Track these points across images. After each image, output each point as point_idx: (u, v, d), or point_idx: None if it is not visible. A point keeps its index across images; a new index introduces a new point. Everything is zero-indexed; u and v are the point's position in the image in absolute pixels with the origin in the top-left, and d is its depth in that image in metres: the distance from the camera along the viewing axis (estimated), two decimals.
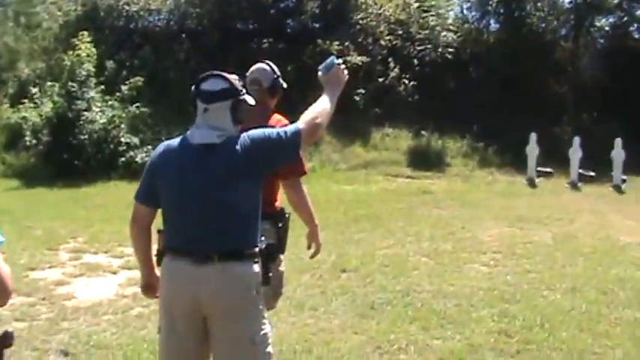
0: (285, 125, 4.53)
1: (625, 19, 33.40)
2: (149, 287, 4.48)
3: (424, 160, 24.30)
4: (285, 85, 5.51)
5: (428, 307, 8.26)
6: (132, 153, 20.70)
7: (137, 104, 22.13)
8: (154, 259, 4.35)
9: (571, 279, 9.72)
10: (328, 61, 4.48)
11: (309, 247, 5.63)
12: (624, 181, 21.97)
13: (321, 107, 4.28)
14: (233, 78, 4.20)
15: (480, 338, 7.15)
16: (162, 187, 4.15)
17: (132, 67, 24.52)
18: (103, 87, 21.92)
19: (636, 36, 34.25)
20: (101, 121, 21.14)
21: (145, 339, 7.00)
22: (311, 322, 7.68)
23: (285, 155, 4.28)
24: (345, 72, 4.52)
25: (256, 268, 4.11)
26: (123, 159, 20.69)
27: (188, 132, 4.18)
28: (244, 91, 4.23)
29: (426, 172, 23.08)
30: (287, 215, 5.36)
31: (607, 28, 34.09)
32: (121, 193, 15.38)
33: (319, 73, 4.46)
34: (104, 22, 27.09)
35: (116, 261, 10.42)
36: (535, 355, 6.75)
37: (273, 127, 4.53)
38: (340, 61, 4.52)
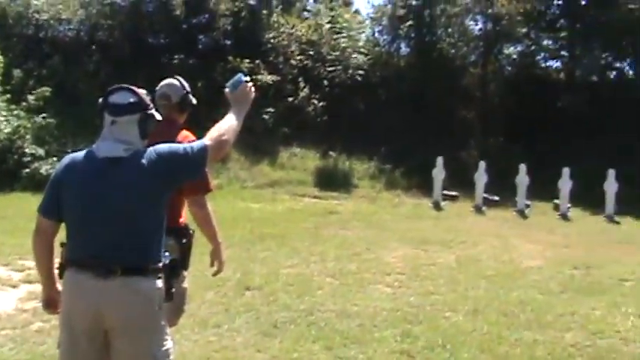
0: (192, 141, 4.49)
1: (532, 47, 34.23)
2: (50, 302, 4.36)
3: (331, 181, 24.38)
4: (194, 102, 5.45)
5: (331, 326, 8.23)
6: (36, 164, 20.19)
7: (44, 115, 21.79)
8: (56, 272, 4.24)
9: (473, 301, 9.80)
10: (236, 78, 4.46)
11: (212, 265, 5.57)
12: (528, 206, 22.35)
13: (228, 124, 4.26)
14: (142, 92, 4.16)
15: (382, 358, 7.16)
16: (66, 200, 4.06)
17: (40, 77, 24.10)
18: (8, 96, 21.53)
19: (543, 65, 35.13)
20: (5, 131, 20.71)
21: (44, 355, 6.84)
22: (214, 339, 7.58)
23: (191, 171, 4.23)
24: (253, 90, 4.50)
25: (159, 283, 4.05)
26: (27, 170, 20.12)
27: (94, 145, 4.11)
28: (152, 105, 4.19)
29: (333, 193, 23.14)
30: (191, 232, 5.31)
31: (515, 56, 34.92)
32: (24, 205, 15.01)
33: (226, 90, 4.43)
34: (12, 30, 26.62)
35: (17, 274, 10.15)
36: None
37: (180, 142, 4.47)
38: (247, 78, 4.49)
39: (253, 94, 4.50)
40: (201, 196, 5.29)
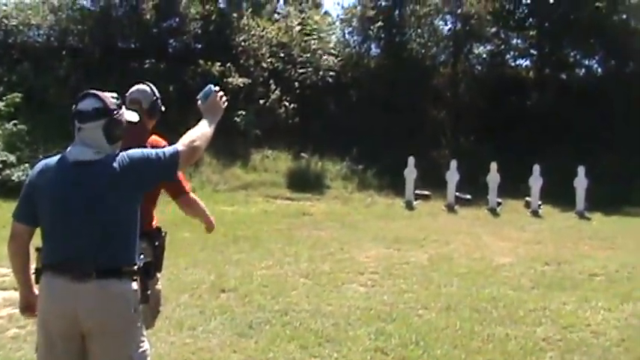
0: (163, 146, 4.55)
1: (502, 47, 34.40)
2: (28, 307, 4.38)
3: (304, 182, 24.44)
4: (163, 109, 5.51)
5: (306, 326, 8.29)
6: (8, 171, 20.00)
7: (14, 121, 21.64)
8: (33, 277, 4.27)
9: (446, 298, 9.89)
10: (206, 89, 4.56)
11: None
12: (499, 203, 22.51)
13: (201, 131, 4.35)
14: (107, 97, 4.17)
15: (356, 356, 7.22)
16: (40, 205, 4.10)
17: (10, 83, 23.92)
18: None
19: (512, 63, 35.29)
20: None
21: None
22: (190, 341, 7.62)
23: (163, 176, 4.31)
24: (224, 98, 4.60)
25: (135, 285, 4.09)
26: None
27: (67, 150, 4.14)
28: (119, 110, 4.20)
29: (306, 194, 23.20)
30: (163, 234, 5.35)
31: (484, 56, 35.09)
32: None
33: (199, 102, 4.52)
34: None
35: None
36: None
37: (150, 146, 4.52)
38: (217, 88, 4.58)
39: (225, 103, 4.60)
40: (184, 196, 5.35)
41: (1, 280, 9.90)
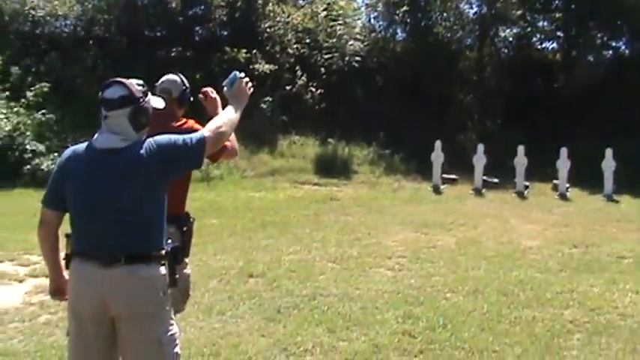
0: (195, 130, 4.62)
1: (528, 29, 34.07)
2: (58, 290, 4.46)
3: (331, 168, 24.45)
4: (192, 99, 5.60)
5: (334, 310, 8.35)
6: (37, 160, 20.23)
7: (43, 111, 21.81)
8: (63, 263, 4.34)
9: (473, 282, 9.92)
10: (231, 76, 4.62)
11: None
12: (527, 187, 22.43)
13: (227, 117, 4.43)
14: (133, 84, 4.22)
15: (384, 339, 7.27)
16: (68, 192, 4.16)
17: (38, 73, 24.07)
18: (7, 93, 21.58)
19: (538, 46, 35.01)
20: (6, 128, 20.80)
21: (53, 345, 6.94)
22: (219, 326, 7.70)
23: (190, 161, 4.36)
24: (249, 85, 4.67)
25: (163, 270, 4.15)
26: (28, 167, 20.17)
27: (93, 137, 4.21)
28: (145, 97, 4.25)
29: (333, 180, 23.24)
30: (192, 219, 5.42)
31: (511, 39, 34.79)
32: (27, 202, 15.09)
33: (224, 88, 4.58)
34: (9, 27, 26.55)
35: (23, 269, 10.23)
36: (437, 355, 6.89)
37: (185, 132, 4.59)
38: (243, 74, 4.65)
39: (251, 89, 4.67)
40: (222, 154, 5.34)
41: (33, 268, 10.04)
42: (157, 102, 4.40)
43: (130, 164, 4.07)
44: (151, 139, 4.16)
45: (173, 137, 4.23)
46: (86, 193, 4.10)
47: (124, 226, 4.06)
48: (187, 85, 5.64)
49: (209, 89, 5.39)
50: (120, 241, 4.04)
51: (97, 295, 4.04)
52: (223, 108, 4.64)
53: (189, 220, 5.39)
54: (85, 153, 4.18)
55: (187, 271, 5.45)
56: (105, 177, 4.06)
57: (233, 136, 5.02)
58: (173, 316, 4.29)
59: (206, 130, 4.32)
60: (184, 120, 5.42)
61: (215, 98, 5.31)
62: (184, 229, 5.26)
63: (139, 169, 4.08)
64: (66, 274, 4.36)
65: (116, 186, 4.05)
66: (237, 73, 4.66)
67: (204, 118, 4.81)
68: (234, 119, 4.47)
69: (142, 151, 4.08)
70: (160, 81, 5.60)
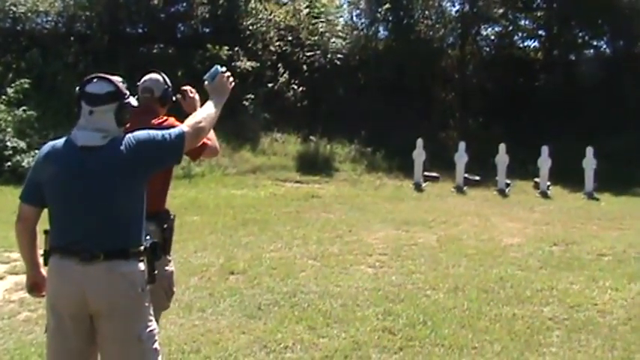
0: (175, 127, 4.62)
1: (510, 28, 34.26)
2: (35, 286, 4.46)
3: (313, 165, 24.44)
4: (174, 98, 5.59)
5: (314, 307, 8.36)
6: (18, 157, 20.02)
7: (24, 107, 21.66)
8: (41, 259, 4.33)
9: (454, 279, 9.95)
10: (212, 70, 4.65)
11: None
12: (508, 185, 22.50)
13: (206, 112, 4.45)
14: (118, 81, 4.25)
15: (364, 336, 7.29)
16: (47, 188, 4.15)
17: (19, 70, 23.84)
18: None
19: (520, 45, 35.17)
20: None
21: (32, 343, 6.90)
22: (199, 323, 7.70)
23: (169, 157, 4.37)
24: (231, 79, 4.69)
25: (142, 266, 4.17)
26: (9, 163, 19.93)
27: (72, 133, 4.19)
28: (129, 94, 4.28)
29: (315, 177, 23.20)
30: (172, 216, 5.41)
31: (492, 37, 35.00)
32: (7, 199, 14.95)
33: (205, 82, 4.59)
34: None
35: (2, 266, 10.16)
36: (417, 351, 6.90)
37: (165, 128, 4.59)
38: (224, 69, 4.68)
39: (232, 84, 4.69)
40: (203, 152, 5.33)
41: (12, 265, 9.99)
42: (133, 100, 4.40)
43: (111, 161, 4.07)
44: (130, 135, 4.16)
45: (152, 132, 4.24)
46: (66, 189, 4.09)
47: (103, 222, 4.07)
48: (170, 83, 5.64)
49: (188, 88, 5.39)
50: (99, 237, 4.04)
51: (77, 292, 4.03)
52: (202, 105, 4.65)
53: (169, 217, 5.39)
54: (65, 149, 4.17)
55: (170, 268, 5.45)
56: (85, 173, 4.05)
57: (213, 135, 5.02)
58: (152, 312, 4.28)
59: (185, 126, 4.34)
60: (164, 117, 5.41)
61: (193, 98, 5.32)
62: (165, 226, 5.25)
63: (119, 165, 4.08)
64: (43, 270, 4.35)
65: (96, 182, 4.05)
66: (219, 67, 4.68)
67: (184, 115, 4.82)
68: (214, 114, 4.48)
69: (121, 147, 4.08)
70: (142, 80, 5.59)
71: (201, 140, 4.59)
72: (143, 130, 4.24)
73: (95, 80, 4.20)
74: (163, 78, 5.64)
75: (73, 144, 4.13)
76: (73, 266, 4.03)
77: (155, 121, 5.25)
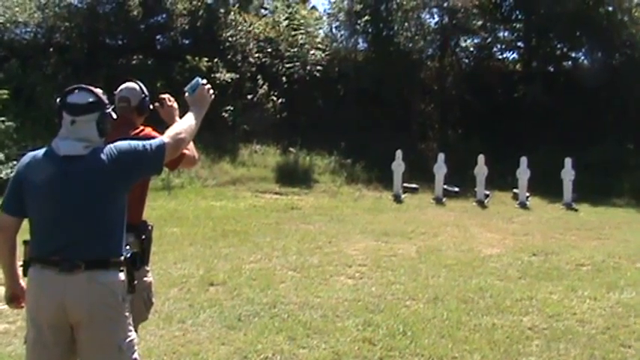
0: (152, 137, 4.63)
1: (489, 40, 34.44)
2: (14, 298, 4.44)
3: (292, 177, 24.45)
4: (151, 107, 5.58)
5: (294, 318, 8.34)
6: None
7: (2, 118, 21.53)
8: (20, 269, 4.32)
9: (433, 289, 9.96)
10: (193, 82, 4.68)
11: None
12: (487, 196, 22.59)
13: (187, 124, 4.47)
14: (99, 92, 4.26)
15: (344, 347, 7.27)
16: (29, 198, 4.14)
17: None
18: None
19: (499, 56, 35.39)
20: None
21: (10, 355, 6.86)
22: (179, 334, 7.67)
23: (150, 167, 4.39)
24: (211, 91, 4.73)
25: (122, 276, 4.16)
26: None
27: (53, 143, 4.19)
28: (109, 104, 4.30)
29: (294, 189, 23.21)
30: (150, 227, 5.39)
31: (472, 49, 35.17)
32: None
33: (186, 94, 4.62)
34: None
35: None
36: None
37: (142, 139, 4.60)
38: (205, 81, 4.71)
39: (212, 96, 4.72)
40: (181, 162, 5.31)
41: None
42: (113, 113, 4.40)
43: (92, 171, 4.08)
44: (111, 145, 4.17)
45: (133, 143, 4.25)
46: (48, 199, 4.09)
47: (84, 232, 4.06)
48: (146, 93, 5.60)
49: (167, 96, 5.38)
50: (80, 247, 4.04)
51: (57, 302, 4.02)
52: (182, 116, 4.66)
53: (147, 227, 5.37)
54: (47, 159, 4.16)
55: (149, 279, 5.43)
56: (67, 183, 4.05)
57: (192, 145, 5.02)
58: (131, 322, 4.28)
59: (166, 137, 4.35)
60: (142, 128, 5.39)
61: (172, 106, 5.31)
62: (143, 236, 5.24)
63: (100, 175, 4.08)
64: (22, 281, 4.34)
65: (78, 192, 4.05)
66: (199, 79, 4.72)
67: (163, 126, 4.83)
68: (194, 126, 4.50)
69: (103, 157, 4.09)
70: (118, 89, 5.56)
71: (181, 151, 4.59)
72: (124, 141, 4.25)
73: (76, 91, 4.22)
74: (140, 87, 5.60)
75: (55, 154, 4.13)
76: (53, 276, 4.02)
77: (132, 132, 5.24)
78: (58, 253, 4.03)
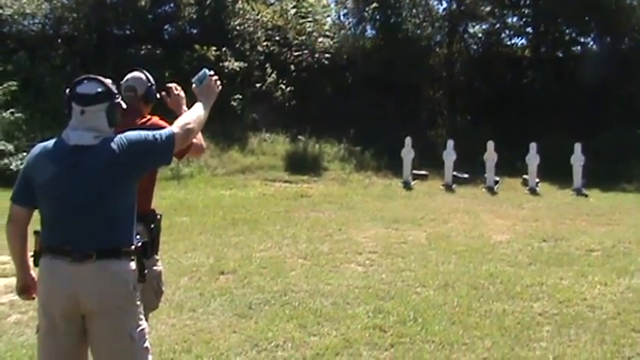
0: (162, 127, 4.64)
1: (497, 26, 34.29)
2: (25, 289, 4.44)
3: (301, 165, 24.44)
4: (158, 96, 5.58)
5: (305, 305, 8.36)
6: (6, 160, 19.92)
7: (12, 110, 21.58)
8: (31, 260, 4.31)
9: (444, 276, 9.97)
10: (200, 73, 4.70)
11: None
12: (497, 182, 22.55)
13: (195, 114, 4.49)
14: (108, 82, 4.26)
15: (355, 333, 7.29)
16: (39, 188, 4.14)
17: (6, 72, 23.68)
18: None
19: (508, 42, 35.21)
20: None
21: (23, 345, 6.88)
22: (190, 323, 7.69)
23: (160, 158, 4.40)
24: (218, 82, 4.75)
25: (133, 265, 4.17)
26: None
27: (63, 134, 4.19)
28: (119, 94, 4.31)
29: (304, 177, 23.20)
30: (159, 217, 5.41)
31: (480, 35, 35.01)
32: None
33: (193, 85, 4.63)
34: None
35: None
36: (408, 348, 6.91)
37: (152, 126, 4.62)
38: (212, 72, 4.72)
39: (219, 87, 4.74)
40: (189, 151, 5.33)
41: (2, 268, 9.94)
42: (122, 102, 4.41)
43: (104, 160, 4.08)
44: (121, 135, 4.17)
45: (143, 133, 4.26)
46: (59, 189, 4.08)
47: (96, 221, 4.07)
48: (153, 81, 5.61)
49: (173, 85, 5.39)
50: (92, 236, 4.05)
51: (69, 291, 4.03)
52: (190, 105, 4.68)
53: (156, 216, 5.39)
54: (57, 149, 4.17)
55: (158, 268, 5.45)
56: (79, 173, 4.06)
57: (199, 134, 5.02)
58: (142, 311, 4.29)
59: (175, 127, 4.36)
60: (149, 117, 5.40)
61: (178, 94, 5.31)
62: (152, 226, 5.26)
63: (112, 165, 4.09)
64: (33, 272, 4.35)
65: (90, 182, 4.06)
66: (207, 70, 4.73)
67: (171, 115, 4.84)
68: (203, 117, 4.52)
69: (114, 147, 4.10)
70: (124, 79, 5.57)
71: (190, 141, 4.61)
72: (134, 131, 4.26)
73: (85, 81, 4.22)
74: (146, 76, 5.61)
75: (65, 144, 4.14)
76: (65, 266, 4.02)
77: (139, 121, 5.25)
78: (69, 242, 4.03)
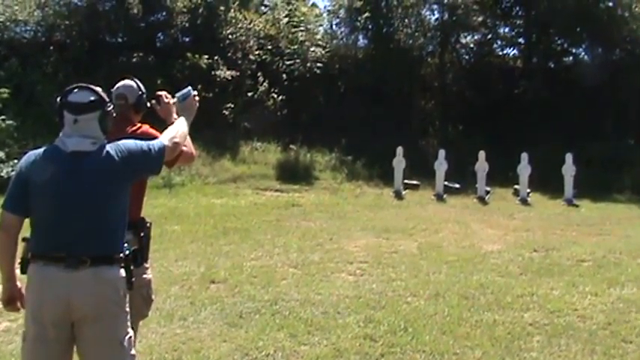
0: (152, 136, 4.68)
1: (489, 36, 34.40)
2: (11, 300, 4.42)
3: (293, 174, 24.41)
4: (148, 104, 5.58)
5: (295, 315, 8.35)
6: None
7: (3, 117, 21.50)
8: (18, 268, 4.29)
9: (434, 285, 9.97)
10: (185, 91, 4.97)
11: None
12: (488, 192, 22.58)
13: (182, 130, 4.70)
14: (99, 90, 4.30)
15: (345, 343, 7.28)
16: (34, 195, 4.15)
17: None
18: None
19: (500, 52, 35.31)
20: None
21: (12, 353, 6.84)
22: (180, 331, 7.67)
23: (152, 167, 4.50)
24: (197, 101, 5.04)
25: (123, 272, 4.21)
26: None
27: (58, 141, 4.21)
28: (110, 102, 4.34)
29: (295, 186, 23.16)
30: (148, 225, 5.41)
31: (472, 45, 35.07)
32: None
33: (175, 100, 4.81)
34: None
35: None
36: (399, 358, 6.91)
37: (142, 135, 4.64)
38: (195, 92, 5.00)
39: (197, 106, 5.04)
40: (179, 159, 5.33)
41: None
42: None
43: (102, 167, 4.14)
44: (118, 143, 4.24)
45: (139, 143, 4.34)
46: (56, 195, 4.11)
47: (90, 228, 4.11)
48: (143, 90, 5.62)
49: (163, 93, 5.39)
50: (86, 243, 4.08)
51: (62, 298, 4.04)
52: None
53: (145, 224, 5.39)
54: (52, 156, 4.19)
55: (148, 276, 5.45)
56: (75, 180, 4.09)
57: (189, 141, 5.03)
58: (129, 318, 4.32)
59: (165, 139, 4.49)
60: (139, 125, 5.41)
61: (169, 103, 5.31)
62: (142, 234, 5.25)
63: (110, 171, 4.16)
64: (19, 282, 4.34)
65: (86, 189, 4.10)
66: (191, 89, 5.01)
67: (160, 124, 4.87)
68: (186, 131, 4.76)
69: (112, 154, 4.17)
70: (115, 86, 5.57)
71: (176, 154, 4.67)
72: (130, 140, 4.35)
73: (76, 90, 4.25)
74: (137, 84, 5.62)
75: (61, 150, 4.16)
76: (57, 273, 4.04)
77: (129, 129, 5.26)
78: (63, 249, 4.05)
